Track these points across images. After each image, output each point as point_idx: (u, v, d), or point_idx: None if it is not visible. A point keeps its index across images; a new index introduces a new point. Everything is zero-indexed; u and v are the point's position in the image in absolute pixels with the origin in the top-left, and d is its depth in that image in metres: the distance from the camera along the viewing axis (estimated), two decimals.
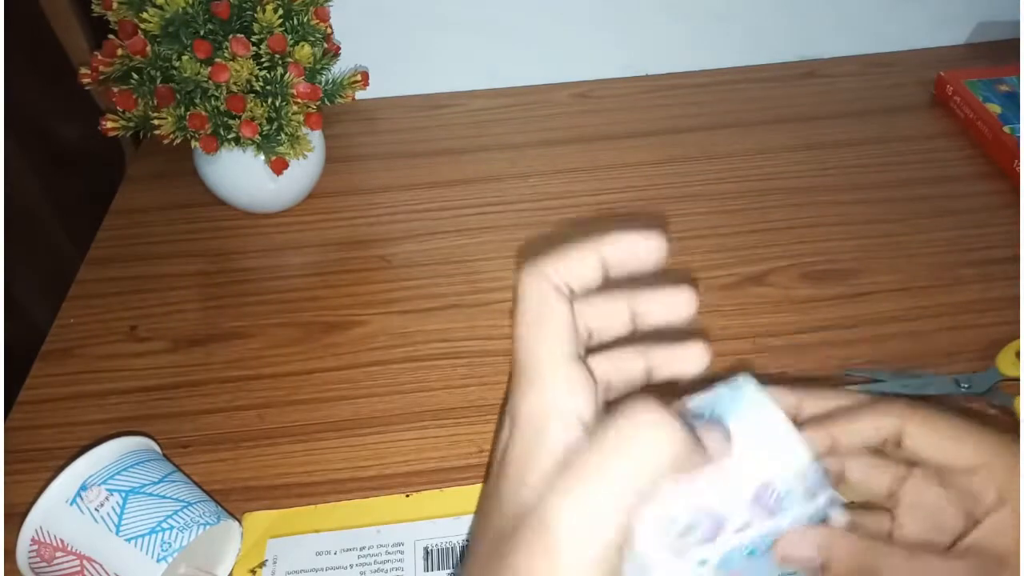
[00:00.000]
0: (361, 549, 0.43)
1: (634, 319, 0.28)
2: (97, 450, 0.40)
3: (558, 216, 0.64)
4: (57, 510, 0.39)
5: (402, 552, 0.43)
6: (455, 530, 0.44)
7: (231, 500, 0.46)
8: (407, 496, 0.46)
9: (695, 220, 0.63)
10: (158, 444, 0.46)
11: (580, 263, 0.26)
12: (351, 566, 0.43)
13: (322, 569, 0.43)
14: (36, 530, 0.39)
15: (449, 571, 0.42)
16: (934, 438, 0.30)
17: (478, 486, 0.46)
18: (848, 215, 0.63)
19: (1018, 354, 0.50)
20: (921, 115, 0.73)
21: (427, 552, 0.43)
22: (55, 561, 0.39)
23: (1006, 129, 0.67)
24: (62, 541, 0.38)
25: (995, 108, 0.69)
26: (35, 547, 0.39)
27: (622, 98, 0.78)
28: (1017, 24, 0.79)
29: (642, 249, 0.26)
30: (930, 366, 0.51)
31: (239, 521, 0.44)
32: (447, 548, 0.43)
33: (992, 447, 0.29)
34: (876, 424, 0.30)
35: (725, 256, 0.60)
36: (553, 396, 0.24)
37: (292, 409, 0.51)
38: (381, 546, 0.43)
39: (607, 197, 0.66)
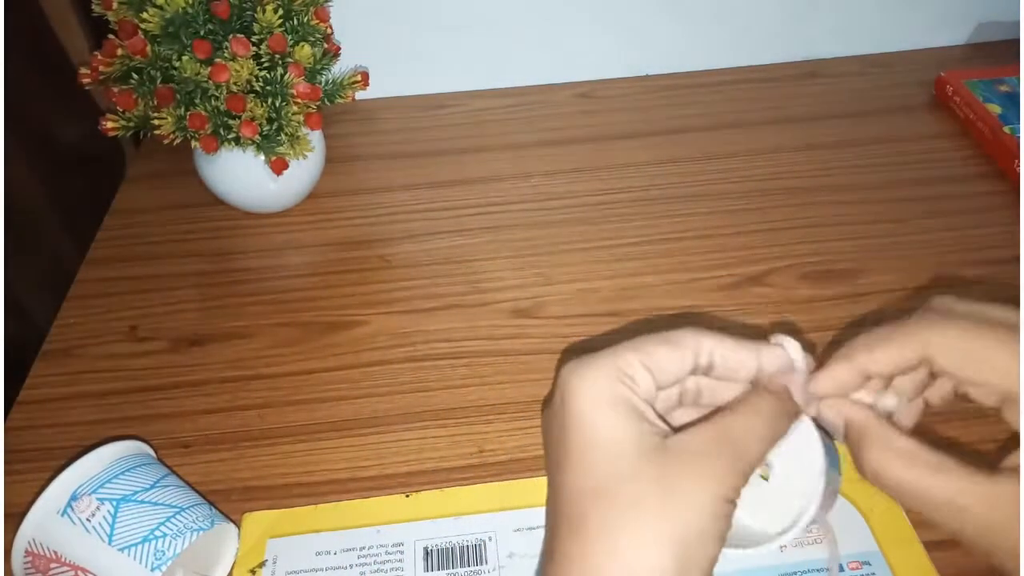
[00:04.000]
0: (361, 549, 0.43)
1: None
2: (86, 458, 0.40)
3: (559, 216, 0.64)
4: (49, 521, 0.38)
5: (402, 552, 0.43)
6: (455, 530, 0.44)
7: (231, 500, 0.46)
8: (407, 496, 0.46)
9: (695, 220, 0.63)
10: (156, 445, 0.46)
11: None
12: (351, 566, 0.42)
13: (322, 569, 0.43)
14: (29, 542, 0.38)
15: (448, 571, 0.42)
16: (962, 356, 0.28)
17: (478, 486, 0.46)
18: (848, 215, 0.63)
19: None
20: (921, 115, 0.73)
21: (427, 552, 0.43)
22: (50, 572, 0.38)
23: (1006, 129, 0.67)
24: (56, 552, 0.38)
25: (995, 108, 0.69)
26: (29, 559, 0.38)
27: (623, 98, 0.78)
28: (1017, 24, 0.79)
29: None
30: None
31: (235, 523, 0.44)
32: (447, 548, 0.43)
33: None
34: (902, 351, 0.29)
35: (725, 256, 0.60)
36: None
37: (292, 409, 0.51)
38: (381, 546, 0.43)
39: (608, 197, 0.66)
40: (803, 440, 0.31)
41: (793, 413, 0.30)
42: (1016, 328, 0.27)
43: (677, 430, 0.28)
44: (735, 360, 0.30)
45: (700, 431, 0.27)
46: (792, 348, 0.31)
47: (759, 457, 0.27)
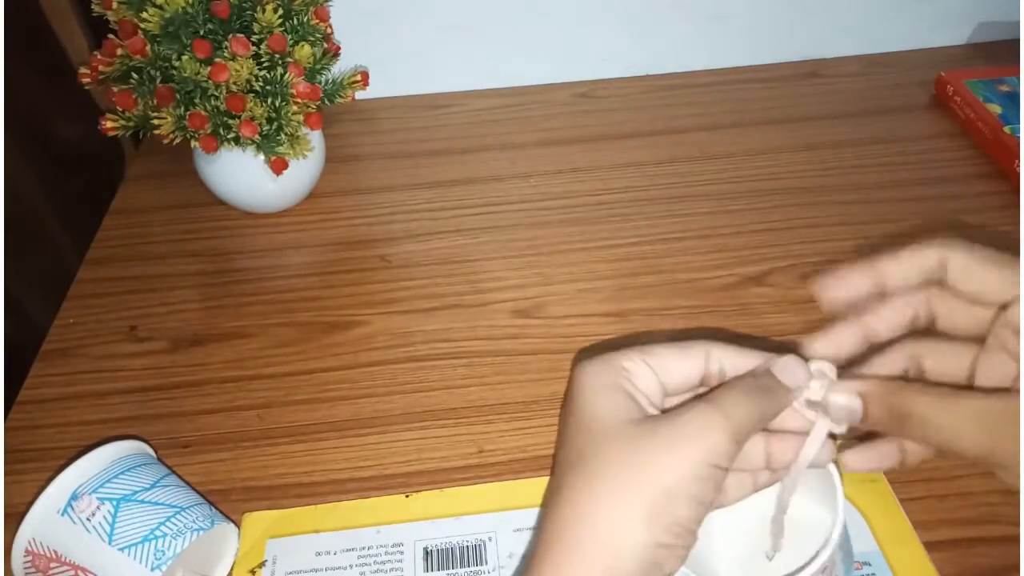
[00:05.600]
0: (361, 549, 0.43)
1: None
2: (87, 458, 0.40)
3: (559, 216, 0.64)
4: (49, 521, 0.38)
5: (402, 552, 0.43)
6: (455, 530, 0.44)
7: (231, 500, 0.46)
8: (407, 496, 0.46)
9: (695, 220, 0.63)
10: (156, 445, 0.46)
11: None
12: (351, 566, 0.42)
13: (322, 569, 0.42)
14: (29, 541, 0.38)
15: (448, 571, 0.42)
16: (974, 266, 0.29)
17: (478, 486, 0.46)
18: (848, 215, 0.63)
19: None
20: (921, 115, 0.73)
21: (427, 552, 0.43)
22: (50, 572, 0.38)
23: (1006, 129, 0.67)
24: (56, 552, 0.38)
25: (995, 108, 0.69)
26: (29, 558, 0.38)
27: (623, 98, 0.78)
28: (1017, 24, 0.79)
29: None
30: None
31: (235, 523, 0.44)
32: (447, 548, 0.43)
33: None
34: (920, 256, 0.30)
35: (725, 256, 0.60)
36: None
37: (292, 409, 0.51)
38: (381, 546, 0.43)
39: (608, 197, 0.66)
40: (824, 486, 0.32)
41: (780, 391, 0.30)
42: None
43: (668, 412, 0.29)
44: (744, 369, 0.31)
45: (688, 403, 0.29)
46: (824, 368, 0.31)
47: (745, 422, 0.28)
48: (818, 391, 0.30)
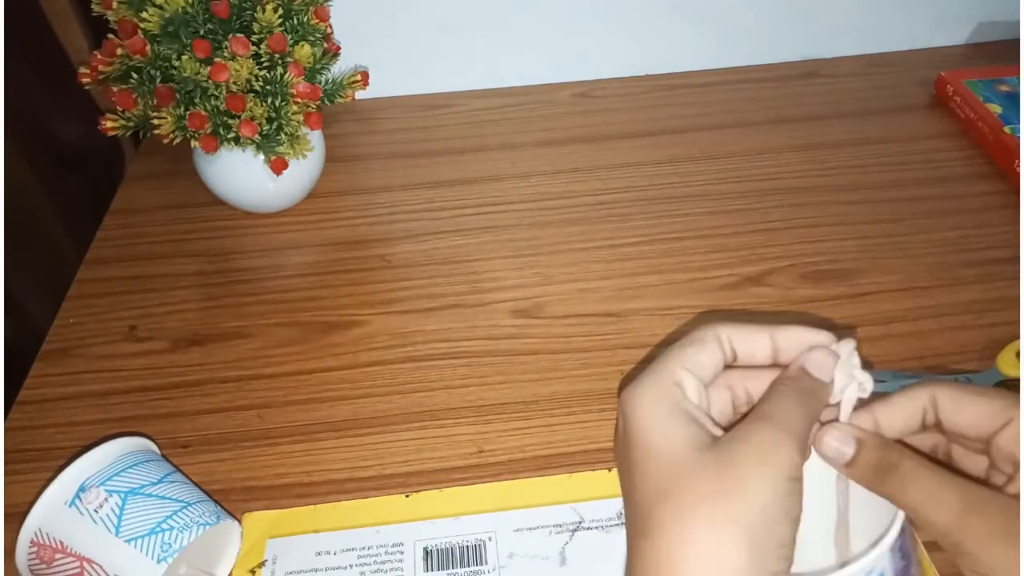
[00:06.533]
0: (361, 549, 0.43)
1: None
2: (96, 451, 0.40)
3: (559, 216, 0.64)
4: (56, 512, 0.39)
5: (402, 552, 0.43)
6: (455, 530, 0.44)
7: (231, 500, 0.46)
8: (406, 496, 0.46)
9: (695, 220, 0.63)
10: (157, 444, 0.46)
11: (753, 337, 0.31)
12: (351, 566, 0.42)
13: (322, 569, 0.43)
14: (35, 532, 0.39)
15: (448, 571, 0.42)
16: (963, 402, 0.30)
17: (478, 486, 0.46)
18: (848, 215, 0.63)
19: (1018, 354, 0.49)
20: (921, 115, 0.73)
21: (427, 552, 0.43)
22: (55, 563, 0.38)
23: (1006, 129, 0.67)
24: (61, 543, 0.38)
25: (995, 108, 0.69)
26: (34, 549, 0.39)
27: (623, 98, 0.78)
28: (1017, 24, 0.79)
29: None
30: (930, 366, 0.51)
31: (239, 521, 0.44)
32: (447, 548, 0.43)
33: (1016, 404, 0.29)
34: (911, 401, 0.31)
35: (725, 256, 0.60)
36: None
37: (292, 409, 0.51)
38: (381, 546, 0.43)
39: (608, 197, 0.66)
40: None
41: (821, 389, 0.30)
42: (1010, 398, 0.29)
43: (727, 430, 0.29)
44: (751, 343, 0.31)
45: (744, 422, 0.29)
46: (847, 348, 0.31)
47: (803, 429, 0.28)
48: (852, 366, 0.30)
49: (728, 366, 0.32)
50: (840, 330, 0.53)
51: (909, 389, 0.31)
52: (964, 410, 0.30)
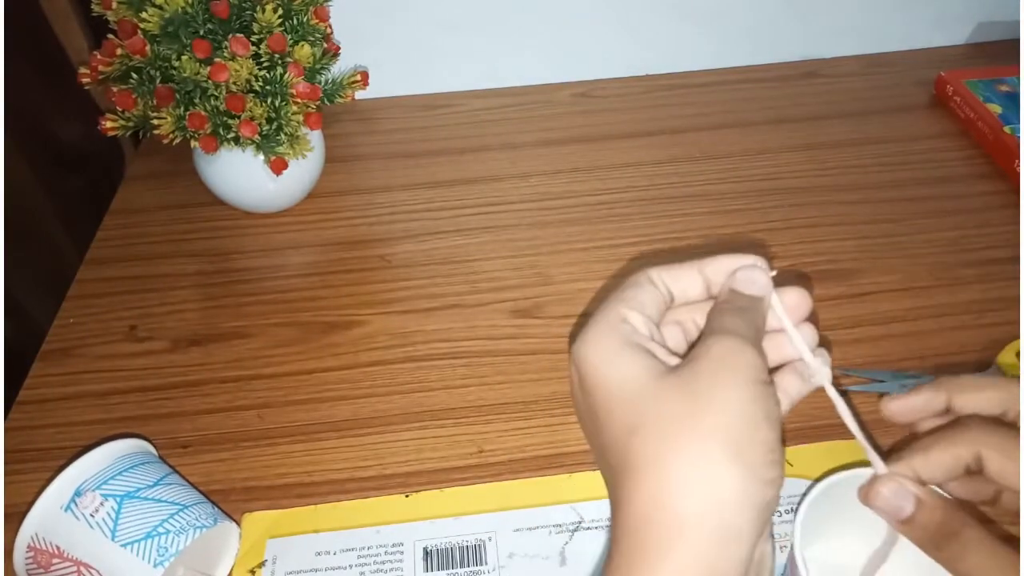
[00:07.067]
0: (361, 549, 0.43)
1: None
2: (91, 455, 0.40)
3: (559, 216, 0.64)
4: (52, 517, 0.38)
5: (402, 552, 0.43)
6: (455, 530, 0.44)
7: (230, 500, 0.46)
8: (406, 496, 0.46)
9: (695, 220, 0.63)
10: (156, 445, 0.46)
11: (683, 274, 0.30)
12: (351, 566, 0.43)
13: (322, 569, 0.43)
14: (32, 537, 0.38)
15: (448, 571, 0.42)
16: (1011, 464, 0.29)
17: (478, 486, 0.46)
18: (848, 215, 0.63)
19: (1018, 354, 0.49)
20: (921, 115, 0.73)
21: (427, 552, 0.43)
22: (52, 568, 0.38)
23: (1006, 129, 0.67)
24: (58, 548, 0.38)
25: (995, 108, 0.69)
26: (31, 554, 0.39)
27: (623, 98, 0.78)
28: (1017, 24, 0.79)
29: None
30: (930, 366, 0.51)
31: (237, 522, 0.44)
32: (447, 548, 0.43)
33: None
34: (953, 454, 0.29)
35: None
36: None
37: (292, 409, 0.51)
38: (381, 546, 0.43)
39: (608, 197, 0.66)
40: None
41: (756, 304, 0.29)
42: None
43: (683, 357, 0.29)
44: (682, 280, 0.31)
45: (696, 345, 0.28)
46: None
47: (755, 336, 0.28)
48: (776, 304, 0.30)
49: (668, 307, 0.31)
50: (840, 330, 0.53)
51: (949, 439, 0.29)
52: (1014, 463, 0.28)
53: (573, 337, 0.32)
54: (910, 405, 0.32)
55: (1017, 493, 0.29)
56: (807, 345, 0.29)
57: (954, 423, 0.30)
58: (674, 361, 0.28)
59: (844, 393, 0.31)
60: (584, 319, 0.29)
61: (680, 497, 0.24)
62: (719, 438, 0.24)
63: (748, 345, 0.27)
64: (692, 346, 0.29)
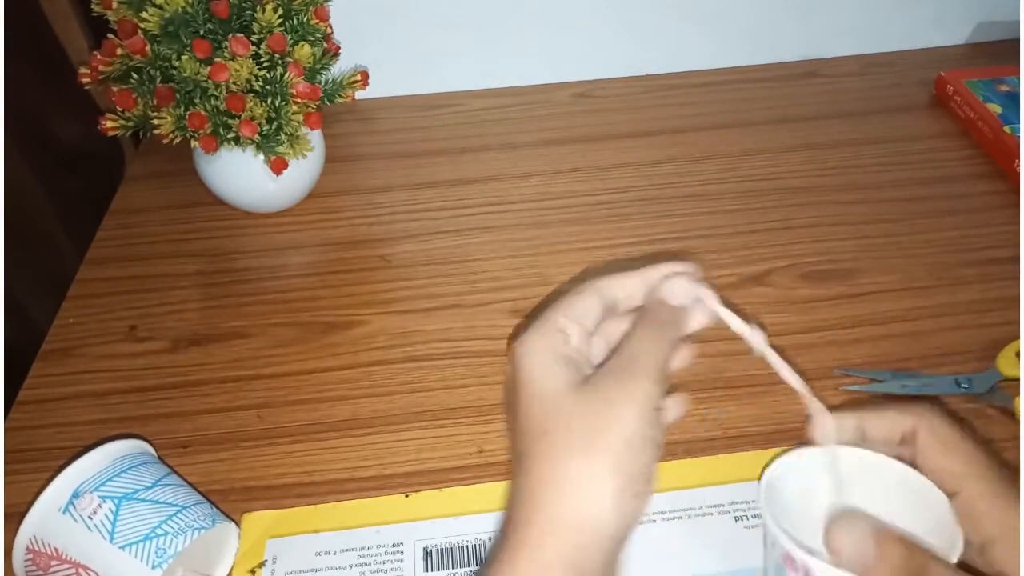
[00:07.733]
0: (361, 549, 0.43)
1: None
2: (88, 456, 0.40)
3: (558, 216, 0.64)
4: (50, 519, 0.38)
5: (402, 552, 0.43)
6: (455, 530, 0.44)
7: (230, 500, 0.46)
8: (406, 496, 0.46)
9: (695, 220, 0.63)
10: (156, 445, 0.46)
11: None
12: (350, 566, 0.43)
13: (322, 569, 0.43)
14: (31, 539, 0.38)
15: (448, 571, 0.42)
16: (934, 443, 0.34)
17: (478, 486, 0.46)
18: (848, 215, 0.63)
19: (1018, 354, 0.49)
20: (921, 115, 0.73)
21: (427, 552, 0.43)
22: (51, 569, 0.38)
23: (1006, 129, 0.67)
24: (56, 550, 0.38)
25: (995, 108, 0.69)
26: (30, 556, 0.39)
27: (622, 98, 0.78)
28: (1017, 24, 0.79)
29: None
30: (930, 366, 0.51)
31: (236, 523, 0.44)
32: (447, 548, 0.43)
33: (980, 465, 0.33)
34: (897, 418, 0.36)
35: (725, 256, 0.60)
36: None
37: (292, 409, 0.51)
38: (380, 546, 0.43)
39: (607, 197, 0.66)
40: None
41: (677, 315, 0.34)
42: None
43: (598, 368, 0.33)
44: (627, 288, 0.35)
45: (610, 361, 0.32)
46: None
47: (660, 364, 0.32)
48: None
49: (614, 312, 0.35)
50: (840, 330, 0.53)
51: (901, 407, 0.36)
52: (932, 460, 0.34)
53: (519, 330, 0.36)
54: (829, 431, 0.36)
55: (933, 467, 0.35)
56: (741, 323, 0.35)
57: (909, 398, 0.36)
58: (588, 370, 0.33)
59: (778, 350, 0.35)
60: (528, 320, 0.32)
61: (566, 491, 0.29)
62: (608, 454, 0.29)
63: (649, 380, 0.31)
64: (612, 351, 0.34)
